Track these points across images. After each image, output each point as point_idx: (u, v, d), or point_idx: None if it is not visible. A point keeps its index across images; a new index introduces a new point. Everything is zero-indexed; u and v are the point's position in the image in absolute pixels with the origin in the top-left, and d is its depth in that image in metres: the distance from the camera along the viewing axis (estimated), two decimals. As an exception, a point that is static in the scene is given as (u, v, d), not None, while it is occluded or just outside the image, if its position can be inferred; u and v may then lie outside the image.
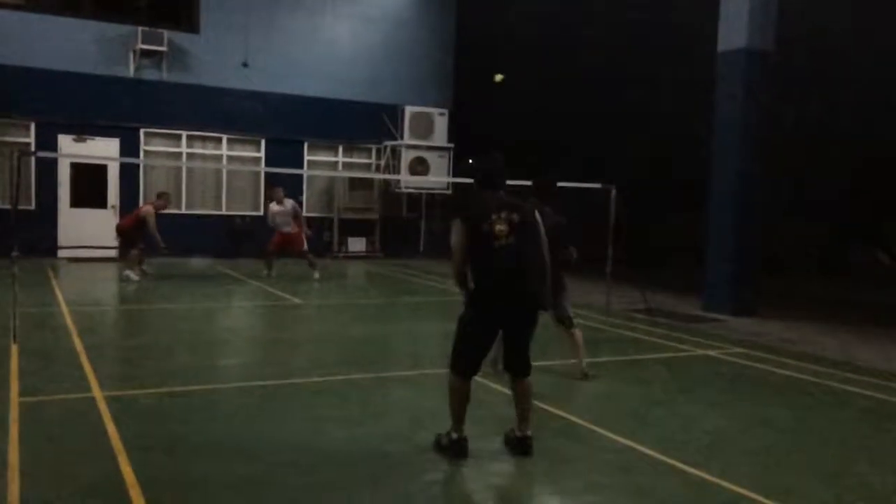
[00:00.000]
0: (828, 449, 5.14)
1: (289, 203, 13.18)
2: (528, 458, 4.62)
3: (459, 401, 4.68)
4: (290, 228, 13.09)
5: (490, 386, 5.96)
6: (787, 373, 7.33)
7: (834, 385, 6.89)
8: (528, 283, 4.61)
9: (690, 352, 8.14)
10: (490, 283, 4.60)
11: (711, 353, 8.11)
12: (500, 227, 4.57)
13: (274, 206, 13.23)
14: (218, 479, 4.18)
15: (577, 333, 6.66)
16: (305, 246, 13.27)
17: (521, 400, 4.77)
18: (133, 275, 12.24)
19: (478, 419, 4.94)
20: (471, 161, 5.05)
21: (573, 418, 5.47)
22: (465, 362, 4.68)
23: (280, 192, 13.26)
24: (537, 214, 4.78)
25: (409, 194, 18.13)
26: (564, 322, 6.64)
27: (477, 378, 4.74)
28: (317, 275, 12.95)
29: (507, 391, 4.97)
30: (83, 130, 15.21)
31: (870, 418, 5.98)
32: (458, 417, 4.68)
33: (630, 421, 5.52)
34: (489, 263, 4.58)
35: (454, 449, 4.63)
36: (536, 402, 5.76)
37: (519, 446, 4.70)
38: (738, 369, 7.42)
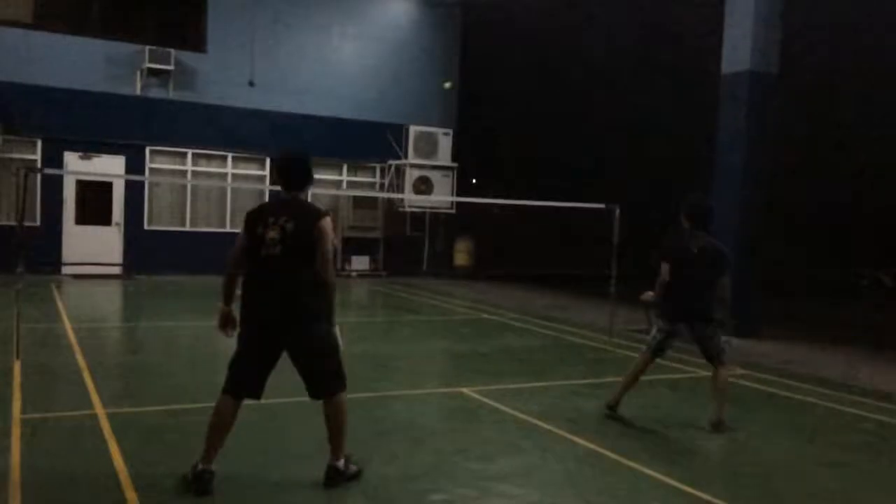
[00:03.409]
0: (832, 472, 5.10)
1: None
2: (330, 488, 4.26)
3: (216, 424, 4.23)
4: None
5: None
6: (791, 395, 7.30)
7: (837, 407, 6.86)
8: (284, 302, 4.17)
9: (693, 373, 8.10)
10: (249, 296, 4.24)
11: (715, 374, 8.07)
12: (272, 235, 4.18)
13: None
14: (220, 498, 4.16)
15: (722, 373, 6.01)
16: None
17: (327, 423, 4.30)
18: None
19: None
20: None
21: (578, 439, 5.44)
22: (229, 376, 4.28)
23: None
24: (324, 224, 4.20)
25: (413, 213, 18.17)
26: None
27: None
28: None
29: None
30: (89, 148, 15.29)
31: (874, 441, 5.94)
32: (210, 444, 4.21)
33: (635, 442, 5.49)
34: (252, 273, 4.23)
35: (195, 484, 4.12)
36: (540, 423, 5.75)
37: (325, 474, 4.31)
38: (740, 391, 7.38)
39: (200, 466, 4.17)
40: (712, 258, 5.90)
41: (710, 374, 8.10)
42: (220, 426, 4.25)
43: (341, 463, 4.36)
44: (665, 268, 5.91)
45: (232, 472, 4.50)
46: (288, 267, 4.18)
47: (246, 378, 4.27)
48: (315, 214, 4.26)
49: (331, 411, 4.31)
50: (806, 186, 16.30)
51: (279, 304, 4.18)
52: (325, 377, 4.30)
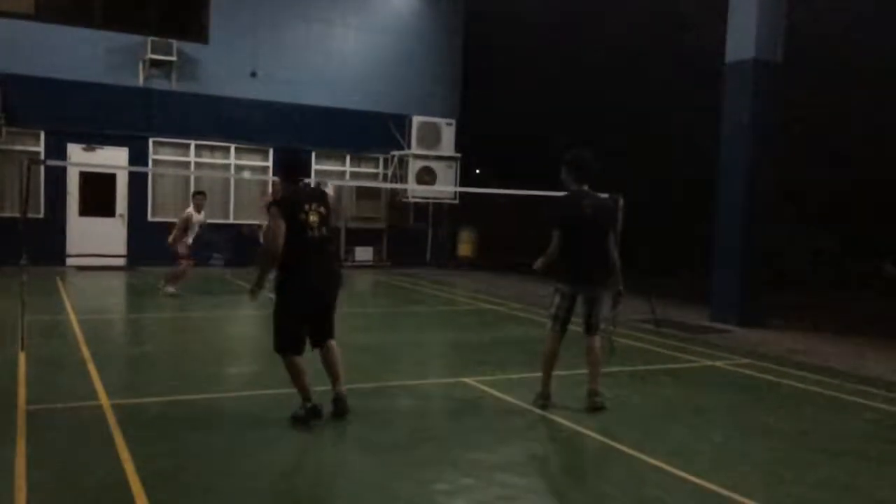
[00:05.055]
0: (837, 461, 5.09)
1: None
2: (344, 416, 5.25)
3: (294, 375, 5.18)
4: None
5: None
6: (795, 384, 7.29)
7: (842, 396, 6.85)
8: (331, 272, 5.33)
9: (698, 363, 8.10)
10: (302, 271, 5.10)
11: (719, 363, 8.08)
12: (313, 218, 5.13)
13: (196, 215, 12.01)
14: (224, 488, 4.18)
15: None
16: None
17: (329, 362, 5.32)
18: (171, 288, 11.57)
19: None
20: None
21: (581, 429, 5.44)
22: (282, 341, 5.16)
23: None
24: (335, 203, 5.29)
25: (416, 203, 18.16)
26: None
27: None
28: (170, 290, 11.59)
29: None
30: (92, 140, 15.30)
31: (878, 430, 5.93)
32: (304, 388, 5.18)
33: (638, 432, 5.49)
34: (304, 252, 5.06)
35: (310, 414, 5.14)
36: (545, 413, 5.76)
37: (335, 404, 5.28)
38: (745, 380, 7.38)
39: (309, 404, 5.18)
40: (605, 217, 5.85)
41: (712, 363, 8.14)
42: (298, 375, 5.18)
43: (345, 389, 5.33)
44: (556, 235, 5.73)
45: (235, 457, 4.52)
46: (328, 242, 5.31)
47: (298, 339, 5.19)
48: (326, 197, 5.37)
49: (332, 351, 5.37)
50: (811, 176, 16.22)
51: (328, 273, 5.32)
52: (332, 326, 5.43)
